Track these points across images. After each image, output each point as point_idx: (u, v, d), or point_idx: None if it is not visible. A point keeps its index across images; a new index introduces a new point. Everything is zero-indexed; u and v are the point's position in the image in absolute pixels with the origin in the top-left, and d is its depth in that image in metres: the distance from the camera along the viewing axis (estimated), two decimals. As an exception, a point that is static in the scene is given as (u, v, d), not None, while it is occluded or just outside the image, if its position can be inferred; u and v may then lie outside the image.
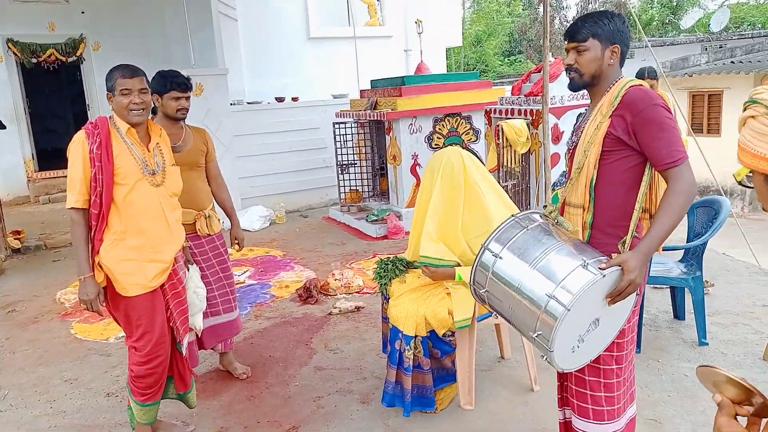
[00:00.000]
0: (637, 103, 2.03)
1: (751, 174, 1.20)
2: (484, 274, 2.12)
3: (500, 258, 2.06)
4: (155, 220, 2.77)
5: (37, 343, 4.55)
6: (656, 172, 2.11)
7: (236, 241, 3.73)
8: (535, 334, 1.95)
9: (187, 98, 3.41)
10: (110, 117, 2.79)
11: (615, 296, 1.96)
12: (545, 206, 2.21)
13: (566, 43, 2.18)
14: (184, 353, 3.01)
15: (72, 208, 2.68)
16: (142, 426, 2.94)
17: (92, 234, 2.74)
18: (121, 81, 2.68)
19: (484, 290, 2.15)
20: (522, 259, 2.03)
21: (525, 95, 6.13)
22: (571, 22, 2.31)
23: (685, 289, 3.94)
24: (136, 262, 2.73)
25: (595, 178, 2.13)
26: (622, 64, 2.18)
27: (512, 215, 2.17)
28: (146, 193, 2.76)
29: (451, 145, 7.06)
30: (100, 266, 2.73)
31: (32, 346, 4.49)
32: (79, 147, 2.67)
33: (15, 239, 7.31)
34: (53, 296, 5.62)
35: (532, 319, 1.97)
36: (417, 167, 7.23)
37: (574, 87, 2.22)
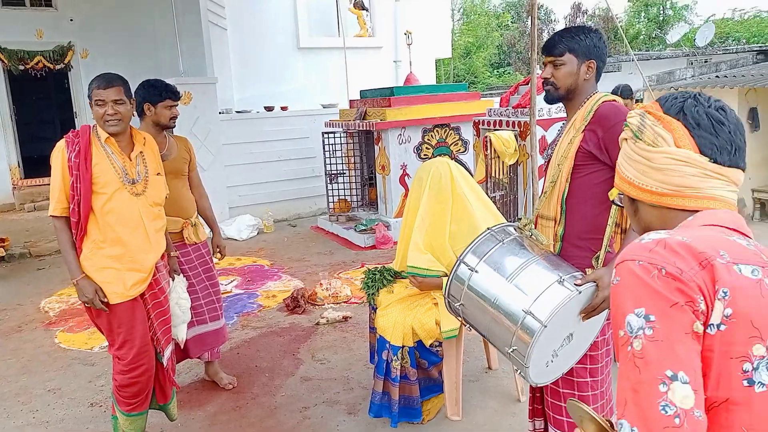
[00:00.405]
0: (609, 118, 2.04)
1: (622, 195, 1.21)
2: (460, 288, 2.11)
3: (476, 272, 2.05)
4: (134, 229, 2.75)
5: (20, 352, 4.49)
6: None
7: (218, 249, 3.71)
8: (510, 350, 1.93)
9: (176, 107, 3.44)
10: (93, 125, 2.79)
11: (589, 312, 1.97)
12: (519, 219, 2.22)
13: (543, 57, 2.20)
14: (165, 364, 2.98)
15: (52, 215, 2.71)
16: None
17: (75, 240, 2.74)
18: (96, 92, 2.68)
19: (458, 303, 2.14)
20: (498, 273, 2.02)
21: (513, 107, 6.18)
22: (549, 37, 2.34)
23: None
24: (115, 270, 2.72)
25: (566, 191, 2.15)
26: (598, 80, 2.20)
27: (488, 228, 2.16)
28: (125, 202, 2.73)
29: (439, 155, 7.10)
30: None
31: (15, 356, 4.42)
32: (59, 155, 2.68)
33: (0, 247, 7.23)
34: (37, 305, 5.56)
35: (507, 335, 1.95)
36: (406, 177, 7.25)
37: (549, 99, 2.24)
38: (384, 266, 3.53)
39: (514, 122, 6.00)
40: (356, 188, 8.30)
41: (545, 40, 2.25)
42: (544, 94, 2.28)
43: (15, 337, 4.81)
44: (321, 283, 5.37)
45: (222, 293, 5.06)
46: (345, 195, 8.24)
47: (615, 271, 0.98)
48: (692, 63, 16.76)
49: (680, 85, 13.24)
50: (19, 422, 3.46)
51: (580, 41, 2.13)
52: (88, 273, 2.71)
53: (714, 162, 1.07)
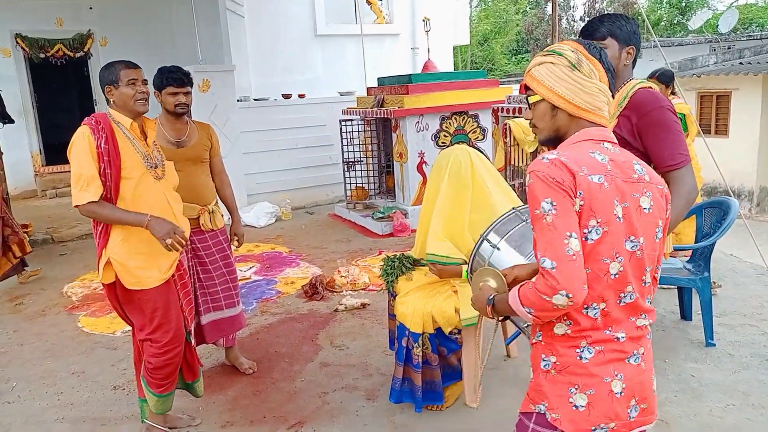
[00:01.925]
0: (644, 105, 2.04)
1: (535, 101, 1.66)
2: (482, 265, 2.11)
3: (498, 249, 2.07)
4: (163, 212, 2.80)
5: (44, 336, 4.57)
6: None
7: (236, 238, 3.74)
8: (526, 325, 1.92)
9: (186, 93, 3.42)
10: (108, 113, 2.80)
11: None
12: None
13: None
14: (192, 342, 3.05)
15: (91, 201, 2.66)
16: (157, 416, 2.97)
17: (99, 230, 2.76)
18: (127, 72, 2.73)
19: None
20: (518, 251, 2.03)
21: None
22: (586, 21, 2.33)
23: (693, 289, 3.93)
24: (150, 255, 2.76)
25: None
26: (633, 67, 2.20)
27: (513, 208, 2.18)
28: (151, 186, 2.80)
29: (458, 143, 7.06)
30: (110, 263, 2.74)
31: (40, 339, 4.51)
32: (85, 143, 2.67)
33: (23, 233, 7.33)
34: (60, 290, 5.65)
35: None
36: (423, 165, 7.23)
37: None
38: (403, 254, 3.53)
39: (533, 109, 5.94)
40: (374, 176, 8.29)
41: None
42: None
43: (39, 321, 4.90)
44: (339, 270, 5.39)
45: (241, 279, 5.13)
46: (362, 183, 8.24)
47: (529, 175, 1.51)
48: (715, 49, 16.45)
49: (703, 72, 13.04)
50: (44, 404, 3.53)
51: (622, 26, 2.13)
52: (121, 260, 2.73)
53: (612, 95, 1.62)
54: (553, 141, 1.66)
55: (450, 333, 3.08)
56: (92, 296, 5.40)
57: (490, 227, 2.13)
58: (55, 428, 3.27)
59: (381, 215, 7.36)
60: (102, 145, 2.67)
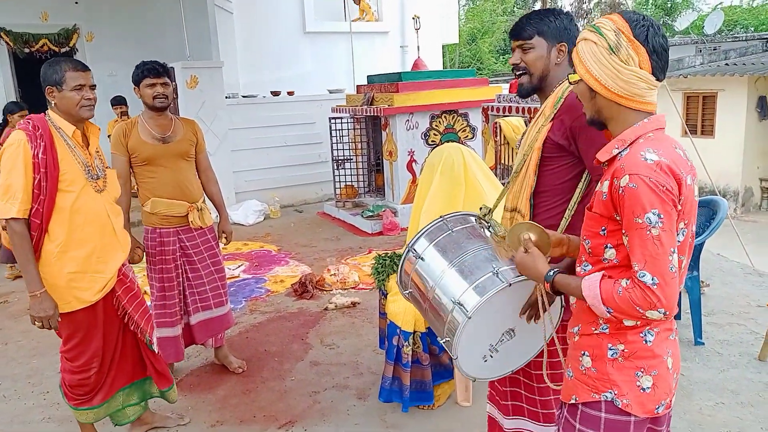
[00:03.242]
0: (577, 107, 1.87)
1: (579, 80, 1.60)
2: (408, 275, 2.10)
3: (422, 259, 2.03)
4: (102, 227, 2.63)
5: (29, 334, 4.50)
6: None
7: (224, 235, 3.69)
8: (443, 340, 1.92)
9: (164, 84, 3.33)
10: (47, 117, 2.58)
11: (526, 308, 1.89)
12: (481, 208, 2.14)
13: (511, 42, 2.08)
14: (156, 350, 2.97)
15: (14, 218, 2.43)
16: (84, 425, 2.87)
17: (33, 243, 2.52)
18: (74, 75, 2.52)
19: (407, 291, 2.12)
20: (439, 263, 1.99)
21: (523, 93, 6.13)
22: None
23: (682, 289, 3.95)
24: (83, 273, 2.58)
25: (534, 185, 2.03)
26: (571, 64, 2.11)
27: (441, 216, 2.11)
28: (91, 199, 2.60)
29: (448, 141, 7.06)
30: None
31: (25, 338, 4.44)
32: (20, 151, 2.43)
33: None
34: (45, 288, 5.56)
35: (441, 324, 1.93)
36: (413, 164, 7.22)
37: (523, 92, 2.09)
38: (394, 252, 3.52)
39: (523, 108, 5.95)
40: (363, 174, 8.27)
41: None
42: (517, 87, 2.13)
43: (25, 319, 4.82)
44: (329, 269, 5.37)
45: (230, 278, 5.09)
46: (352, 181, 8.21)
47: (629, 177, 1.43)
48: (701, 50, 16.61)
49: (689, 73, 13.15)
50: (30, 403, 3.48)
51: (550, 23, 2.00)
52: (51, 279, 2.52)
53: (657, 79, 1.52)
54: (598, 123, 1.62)
55: (442, 332, 3.07)
56: (78, 294, 5.32)
57: (417, 236, 2.09)
58: (41, 428, 3.23)
59: (370, 214, 7.34)
60: (39, 155, 2.44)
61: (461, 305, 1.83)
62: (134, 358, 2.91)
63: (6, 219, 2.44)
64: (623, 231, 1.47)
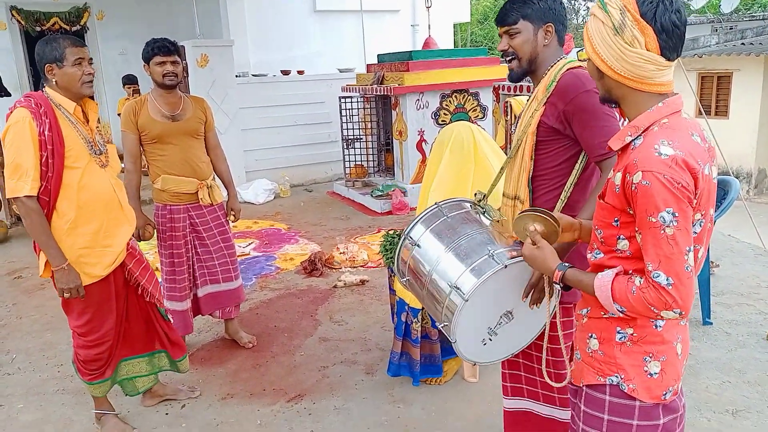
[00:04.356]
0: (568, 90, 1.89)
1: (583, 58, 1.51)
2: (405, 263, 2.11)
3: (418, 246, 2.04)
4: (108, 202, 2.66)
5: (43, 309, 4.58)
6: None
7: (233, 212, 3.72)
8: (441, 325, 1.94)
9: (174, 62, 3.33)
10: (46, 94, 2.57)
11: (528, 291, 1.88)
12: (476, 194, 2.14)
13: (498, 28, 2.06)
14: (170, 320, 3.03)
15: (27, 196, 2.45)
16: (98, 400, 2.93)
17: None
18: (73, 50, 2.51)
19: (405, 279, 2.14)
20: (436, 248, 2.00)
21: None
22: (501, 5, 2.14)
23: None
24: (91, 249, 2.61)
25: (532, 169, 2.02)
26: (561, 43, 2.04)
27: (436, 203, 2.12)
28: (97, 175, 2.62)
29: (458, 121, 7.02)
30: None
31: (39, 312, 4.52)
32: (26, 128, 2.43)
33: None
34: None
35: (439, 309, 1.95)
36: (423, 143, 7.20)
37: (513, 77, 2.07)
38: (403, 230, 3.52)
39: (534, 88, 5.91)
40: (373, 154, 8.27)
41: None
42: (507, 72, 2.11)
43: (38, 294, 4.90)
44: (338, 247, 5.40)
45: (240, 255, 5.13)
46: (361, 161, 8.21)
47: (642, 174, 1.35)
48: (717, 30, 16.32)
49: (704, 52, 12.96)
50: (44, 376, 3.55)
51: (533, 5, 1.98)
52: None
53: (667, 60, 1.43)
54: (610, 101, 1.55)
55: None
56: (91, 271, 5.40)
57: (412, 223, 2.10)
58: (55, 399, 3.29)
59: (380, 193, 7.35)
60: (45, 132, 2.44)
61: (458, 288, 1.85)
62: (142, 331, 2.95)
63: (19, 197, 2.45)
64: (636, 228, 1.42)
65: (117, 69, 10.34)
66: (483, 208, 2.10)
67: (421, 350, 3.10)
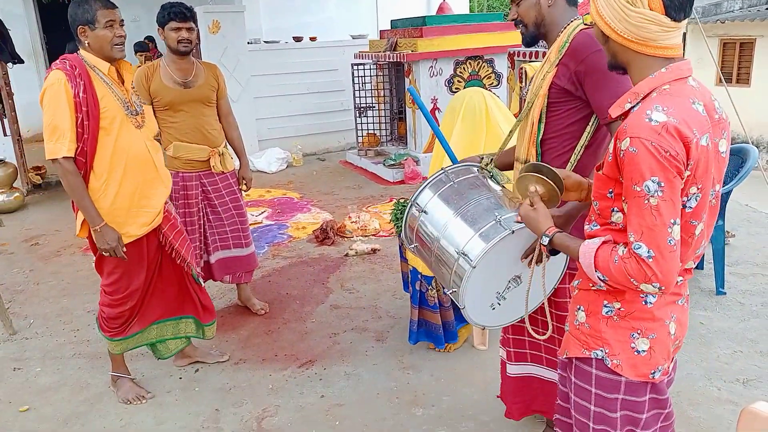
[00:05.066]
0: (579, 51, 1.86)
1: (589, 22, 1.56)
2: (413, 230, 2.12)
3: (425, 212, 2.05)
4: (144, 163, 2.68)
5: (60, 275, 4.65)
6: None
7: (244, 181, 3.72)
8: (450, 291, 1.95)
9: (189, 29, 3.31)
10: (81, 56, 2.57)
11: (528, 254, 1.88)
12: (482, 158, 2.14)
13: None
14: (202, 284, 3.08)
15: (65, 157, 2.49)
16: (116, 358, 2.98)
17: None
18: (105, 12, 2.50)
19: (413, 246, 2.15)
20: (441, 215, 2.00)
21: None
22: None
23: (706, 238, 3.90)
24: (127, 209, 2.65)
25: (541, 132, 2.00)
26: (573, 3, 2.01)
27: (442, 168, 2.12)
28: (131, 135, 2.63)
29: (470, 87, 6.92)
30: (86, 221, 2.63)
31: (55, 278, 4.59)
32: (61, 91, 2.45)
33: (36, 175, 7.39)
34: (74, 231, 5.69)
35: (447, 275, 1.96)
36: (436, 111, 7.12)
37: (526, 42, 2.08)
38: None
39: (550, 54, 5.79)
40: (385, 122, 8.20)
41: None
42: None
43: (54, 261, 4.98)
44: (350, 216, 5.40)
45: (253, 224, 5.15)
46: (374, 129, 8.15)
47: (630, 140, 1.32)
48: (741, -6, 15.81)
49: (727, 18, 12.60)
50: (61, 340, 3.62)
51: None
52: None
53: (672, 20, 1.37)
54: (617, 68, 1.52)
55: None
56: (106, 238, 5.46)
57: (418, 191, 2.10)
58: (72, 363, 3.36)
59: (392, 162, 7.31)
60: (80, 94, 2.46)
61: (465, 255, 1.85)
62: (173, 294, 3.01)
63: (57, 159, 2.49)
64: (623, 198, 1.39)
65: (130, 36, 10.24)
66: (490, 172, 2.09)
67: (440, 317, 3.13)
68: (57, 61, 2.55)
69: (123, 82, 2.68)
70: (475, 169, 2.13)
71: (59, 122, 2.47)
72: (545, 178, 1.63)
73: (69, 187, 2.55)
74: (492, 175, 2.09)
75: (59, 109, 2.46)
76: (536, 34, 2.03)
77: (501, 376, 2.49)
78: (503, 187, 2.08)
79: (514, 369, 2.39)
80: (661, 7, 1.36)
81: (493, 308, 1.98)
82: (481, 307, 1.96)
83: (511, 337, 2.35)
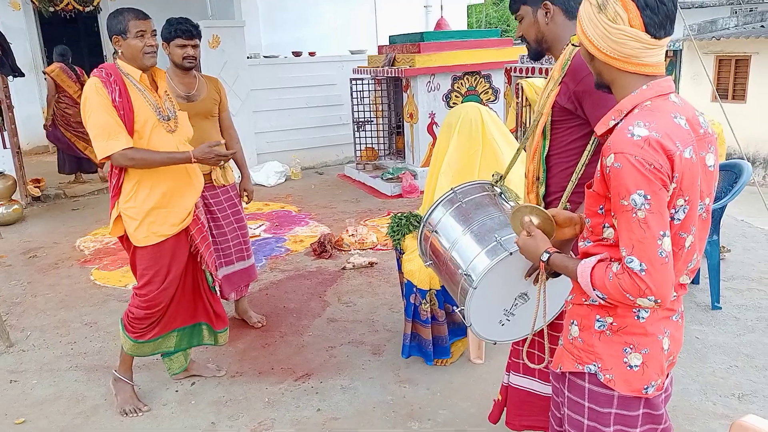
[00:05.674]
0: (578, 70, 1.88)
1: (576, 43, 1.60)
2: (428, 247, 2.21)
3: (436, 232, 2.14)
4: (175, 167, 2.76)
5: (57, 287, 4.65)
6: None
7: (246, 193, 3.74)
8: (459, 309, 2.02)
9: (194, 46, 3.38)
10: (116, 64, 2.71)
11: (531, 272, 1.91)
12: (493, 175, 2.18)
13: None
14: (217, 292, 3.11)
15: (126, 148, 2.59)
16: (127, 357, 2.99)
17: (114, 182, 2.74)
18: (136, 23, 2.63)
19: (429, 262, 2.23)
20: (449, 235, 2.09)
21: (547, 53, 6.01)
22: None
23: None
24: (158, 209, 2.74)
25: (546, 148, 2.03)
26: (573, 17, 2.01)
27: (452, 188, 2.20)
28: (163, 140, 2.73)
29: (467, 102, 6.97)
30: (120, 217, 2.74)
31: (53, 291, 4.59)
32: (100, 94, 2.58)
33: (35, 187, 7.41)
34: (73, 243, 5.72)
35: (456, 293, 2.04)
36: (434, 126, 7.17)
37: (532, 57, 2.14)
38: (410, 212, 3.54)
39: (547, 69, 5.84)
40: (383, 136, 8.24)
41: None
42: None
43: (52, 273, 4.98)
44: (347, 230, 5.42)
45: (251, 237, 5.15)
46: (372, 143, 8.20)
47: (614, 156, 1.34)
48: (736, 12, 15.99)
49: (722, 35, 12.73)
50: (58, 353, 3.62)
51: None
52: (132, 215, 2.71)
53: (653, 37, 1.40)
54: (602, 86, 1.54)
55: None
56: (104, 250, 5.47)
57: (431, 210, 2.20)
58: (69, 375, 3.36)
59: (390, 176, 7.34)
60: (116, 99, 2.59)
61: (468, 276, 1.93)
62: (190, 301, 3.05)
63: (115, 153, 2.58)
64: (612, 213, 1.41)
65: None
66: (500, 190, 2.14)
67: (432, 332, 3.13)
68: (95, 69, 2.69)
69: (157, 89, 2.79)
70: (485, 186, 2.20)
71: (106, 121, 2.58)
72: (539, 207, 1.67)
73: (144, 162, 2.64)
74: (501, 193, 2.14)
75: (104, 110, 2.58)
76: (539, 50, 2.09)
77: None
78: (509, 204, 2.13)
79: (517, 380, 2.40)
80: (641, 25, 1.39)
81: (502, 324, 2.04)
82: (490, 323, 2.02)
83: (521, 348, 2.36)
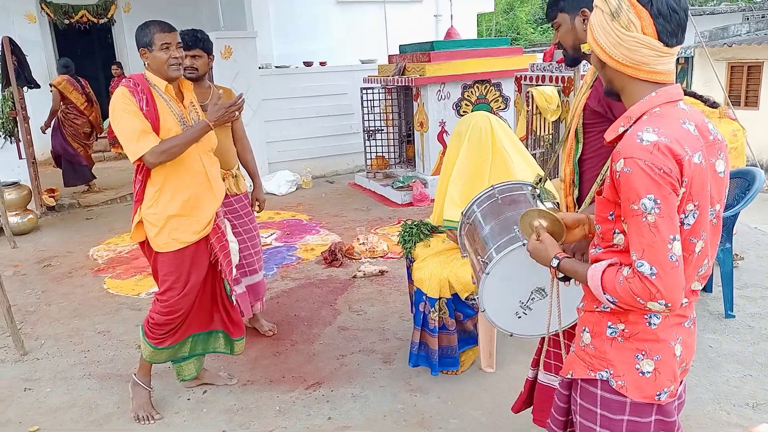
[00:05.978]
0: None
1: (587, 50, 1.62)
2: (463, 240, 2.37)
3: (470, 224, 2.30)
4: (197, 175, 2.81)
5: (71, 296, 4.70)
6: None
7: (257, 203, 3.77)
8: (477, 296, 2.13)
9: (193, 57, 3.40)
10: (144, 75, 2.79)
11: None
12: (538, 175, 2.23)
13: None
14: (234, 301, 3.13)
15: (155, 146, 2.65)
16: (146, 363, 3.01)
17: (137, 188, 2.79)
18: (161, 35, 2.69)
19: (464, 254, 2.38)
20: (480, 226, 2.23)
21: (557, 62, 6.01)
22: None
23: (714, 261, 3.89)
24: (179, 217, 2.78)
25: (579, 152, 2.05)
26: None
27: (491, 186, 2.32)
28: (188, 149, 2.77)
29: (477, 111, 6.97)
30: (141, 222, 2.79)
31: (67, 299, 4.64)
32: (127, 101, 2.65)
33: (50, 197, 7.50)
34: (86, 252, 5.78)
35: (478, 281, 2.13)
36: (444, 134, 7.18)
37: (568, 63, 2.19)
38: (421, 220, 3.55)
39: (557, 77, 5.84)
40: (394, 145, 8.27)
41: None
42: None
43: (66, 282, 5.03)
44: (358, 238, 5.43)
45: (263, 246, 5.18)
46: (383, 152, 8.22)
47: (624, 161, 1.36)
48: (748, 18, 15.91)
49: (734, 42, 12.66)
50: (71, 361, 3.65)
51: None
52: (153, 221, 2.75)
53: (666, 45, 1.42)
54: (614, 95, 1.55)
55: (466, 299, 3.10)
56: (117, 259, 5.52)
57: (471, 204, 2.35)
58: (82, 384, 3.39)
59: (401, 185, 7.36)
60: (143, 107, 2.66)
61: (485, 263, 2.04)
62: (207, 308, 3.08)
63: (146, 152, 2.62)
64: (622, 218, 1.42)
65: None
66: (540, 190, 2.22)
67: (439, 342, 3.12)
68: (124, 80, 2.76)
69: (182, 99, 2.85)
70: (527, 187, 2.28)
71: (135, 125, 2.64)
72: (547, 210, 1.70)
73: (174, 148, 2.67)
74: (539, 194, 2.19)
75: (133, 115, 2.64)
76: (576, 57, 2.14)
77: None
78: (546, 205, 2.17)
79: (544, 377, 2.40)
80: (654, 32, 1.41)
81: (519, 317, 2.10)
82: (505, 314, 2.10)
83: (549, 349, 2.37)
